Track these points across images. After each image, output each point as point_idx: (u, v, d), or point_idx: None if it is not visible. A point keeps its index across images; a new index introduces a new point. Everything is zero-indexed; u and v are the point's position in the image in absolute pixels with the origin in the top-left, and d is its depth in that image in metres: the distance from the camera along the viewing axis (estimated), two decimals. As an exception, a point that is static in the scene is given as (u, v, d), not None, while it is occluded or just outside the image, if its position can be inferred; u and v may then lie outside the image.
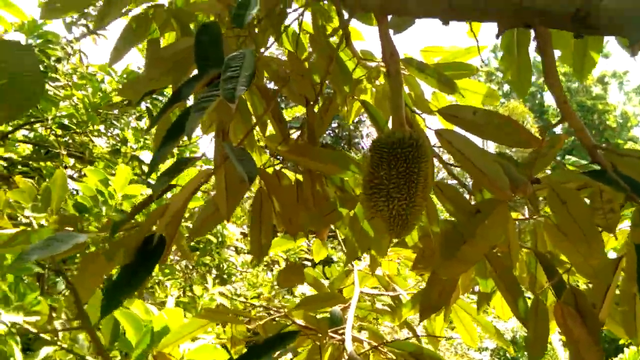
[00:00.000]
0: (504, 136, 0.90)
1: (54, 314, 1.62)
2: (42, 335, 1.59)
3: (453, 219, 1.18)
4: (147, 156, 3.61)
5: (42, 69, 2.86)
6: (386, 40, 0.93)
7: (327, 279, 4.03)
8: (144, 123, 3.69)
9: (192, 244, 3.79)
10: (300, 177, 1.30)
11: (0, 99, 0.50)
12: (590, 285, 1.16)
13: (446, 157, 1.29)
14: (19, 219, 1.91)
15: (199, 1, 1.46)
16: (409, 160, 0.86)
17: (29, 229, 1.58)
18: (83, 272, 1.09)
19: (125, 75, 3.01)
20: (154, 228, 0.97)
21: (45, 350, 1.56)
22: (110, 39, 3.48)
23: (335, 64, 1.15)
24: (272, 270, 5.39)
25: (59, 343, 1.59)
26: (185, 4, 1.64)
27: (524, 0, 0.55)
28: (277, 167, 1.25)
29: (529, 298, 1.25)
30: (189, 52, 1.18)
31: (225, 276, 4.76)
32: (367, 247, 1.22)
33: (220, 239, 3.76)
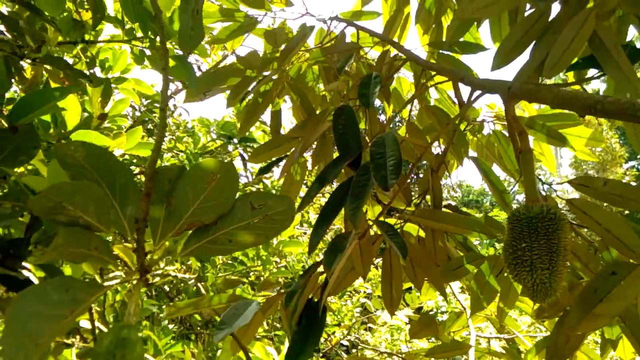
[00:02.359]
0: (636, 206, 0.97)
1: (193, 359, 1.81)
2: (185, 378, 1.78)
3: (579, 273, 1.25)
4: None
5: (150, 126, 3.16)
6: (514, 121, 1.03)
7: (407, 305, 4.07)
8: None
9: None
10: (422, 232, 1.41)
11: (258, 231, 0.66)
12: None
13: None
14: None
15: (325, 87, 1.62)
16: (548, 233, 0.95)
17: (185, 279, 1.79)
18: (246, 325, 1.26)
19: (221, 126, 3.26)
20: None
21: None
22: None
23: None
24: (351, 299, 5.48)
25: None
26: (297, 73, 1.83)
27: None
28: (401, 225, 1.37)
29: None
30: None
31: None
32: (493, 299, 1.31)
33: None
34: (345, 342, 5.18)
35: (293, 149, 1.56)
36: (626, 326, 1.24)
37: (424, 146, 1.21)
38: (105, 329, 1.82)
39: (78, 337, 1.45)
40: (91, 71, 1.63)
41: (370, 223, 1.17)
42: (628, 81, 1.08)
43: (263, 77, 1.50)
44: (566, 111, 1.60)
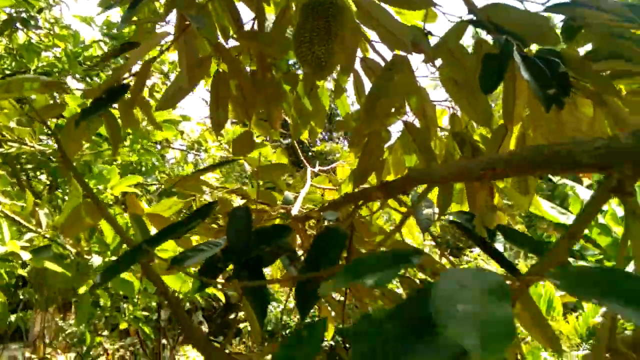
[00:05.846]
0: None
1: (37, 208, 1.81)
2: (26, 223, 1.78)
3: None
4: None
5: (25, 17, 3.01)
6: None
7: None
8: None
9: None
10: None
11: None
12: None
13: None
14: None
15: None
16: (328, 16, 1.08)
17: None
18: (68, 129, 1.30)
19: (105, 26, 3.17)
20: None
21: (29, 235, 1.76)
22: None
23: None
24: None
25: (39, 231, 1.79)
26: None
27: None
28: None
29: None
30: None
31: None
32: (308, 122, 1.44)
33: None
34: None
35: None
36: (417, 147, 1.42)
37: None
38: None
39: None
40: None
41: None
42: None
43: None
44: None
